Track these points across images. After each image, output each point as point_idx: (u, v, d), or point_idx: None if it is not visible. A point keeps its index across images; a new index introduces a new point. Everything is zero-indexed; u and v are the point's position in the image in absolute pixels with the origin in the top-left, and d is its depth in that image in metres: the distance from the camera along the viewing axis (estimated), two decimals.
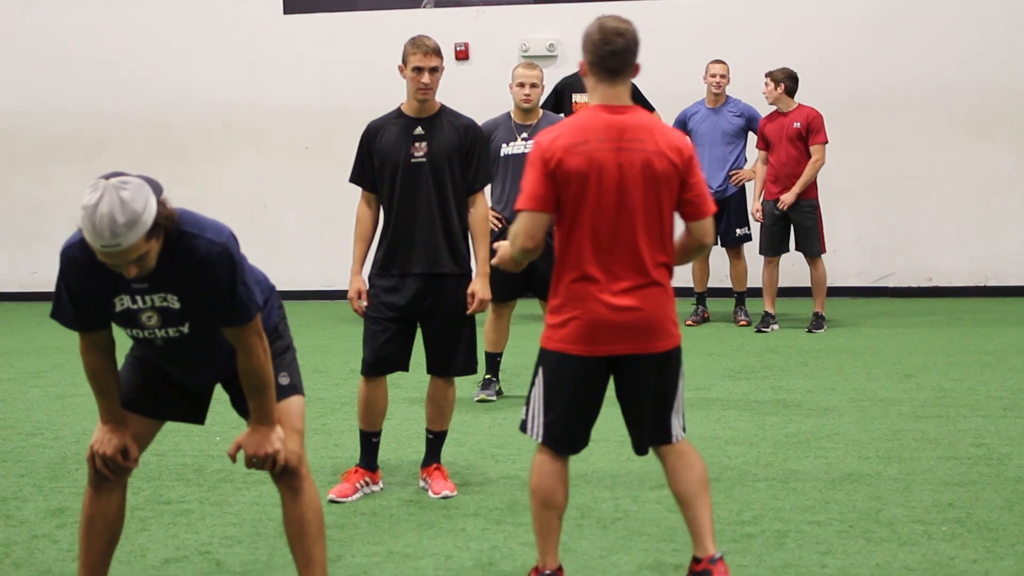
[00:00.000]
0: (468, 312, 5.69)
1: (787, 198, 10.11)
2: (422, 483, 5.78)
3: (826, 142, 10.13)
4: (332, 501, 5.50)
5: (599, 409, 4.20)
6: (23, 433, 7.03)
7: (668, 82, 10.76)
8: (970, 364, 8.58)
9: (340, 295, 10.20)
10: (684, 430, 4.26)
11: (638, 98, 9.58)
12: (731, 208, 10.46)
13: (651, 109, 9.03)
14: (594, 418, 4.21)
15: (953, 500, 5.39)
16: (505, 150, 7.59)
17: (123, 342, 4.03)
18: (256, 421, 3.98)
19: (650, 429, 4.21)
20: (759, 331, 10.27)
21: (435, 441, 5.82)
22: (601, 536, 5.03)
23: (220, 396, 4.33)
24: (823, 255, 10.30)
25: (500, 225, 7.55)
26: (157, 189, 3.64)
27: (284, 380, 4.13)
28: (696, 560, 4.18)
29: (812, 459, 6.14)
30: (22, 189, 13.40)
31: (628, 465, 5.94)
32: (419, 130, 5.66)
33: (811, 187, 10.18)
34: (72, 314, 3.89)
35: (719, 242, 10.32)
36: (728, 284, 10.96)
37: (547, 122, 7.63)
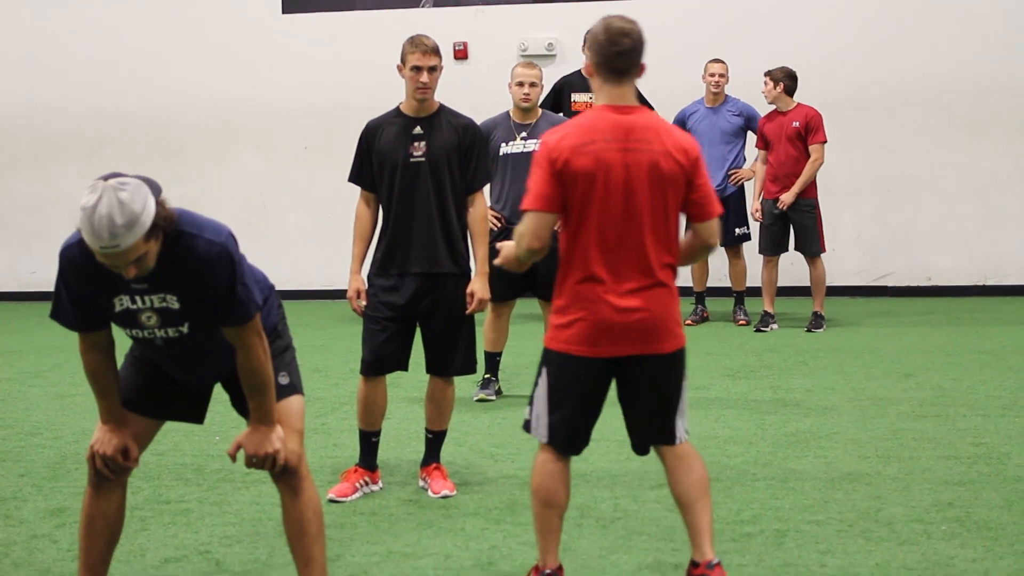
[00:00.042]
0: (467, 312, 5.69)
1: (786, 198, 10.11)
2: (421, 483, 5.78)
3: (825, 141, 10.13)
4: (331, 500, 5.51)
5: (601, 409, 4.20)
6: (22, 433, 7.03)
7: (667, 81, 10.75)
8: (969, 363, 8.59)
9: (339, 294, 10.20)
10: (688, 432, 4.26)
11: (637, 98, 9.57)
12: (730, 208, 10.46)
13: (650, 108, 9.02)
14: (596, 418, 4.21)
15: (952, 499, 5.40)
16: (504, 149, 7.60)
17: (122, 342, 4.03)
18: (256, 421, 3.98)
19: (653, 430, 4.20)
20: (758, 330, 10.27)
21: (434, 441, 5.82)
22: (600, 535, 5.03)
23: (220, 396, 4.33)
24: (822, 254, 10.30)
25: (499, 224, 7.55)
26: (156, 190, 3.64)
27: (284, 380, 4.13)
28: (694, 564, 4.17)
29: (811, 458, 6.14)
30: (22, 188, 13.40)
31: (627, 465, 5.94)
32: (418, 129, 5.66)
33: (810, 186, 10.19)
34: (71, 314, 3.89)
35: None
36: (727, 283, 10.96)
37: (546, 121, 7.64)
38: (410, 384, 7.56)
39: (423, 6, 12.63)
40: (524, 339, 9.24)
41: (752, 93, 10.61)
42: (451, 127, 5.69)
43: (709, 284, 11.00)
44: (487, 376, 7.78)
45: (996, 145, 12.06)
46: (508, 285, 7.46)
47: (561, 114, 9.15)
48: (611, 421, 4.58)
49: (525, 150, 7.55)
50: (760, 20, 12.16)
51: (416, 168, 5.63)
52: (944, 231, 12.22)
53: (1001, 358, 8.78)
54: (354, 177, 5.79)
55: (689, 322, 10.55)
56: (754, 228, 10.61)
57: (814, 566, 4.64)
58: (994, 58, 11.94)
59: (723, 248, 10.62)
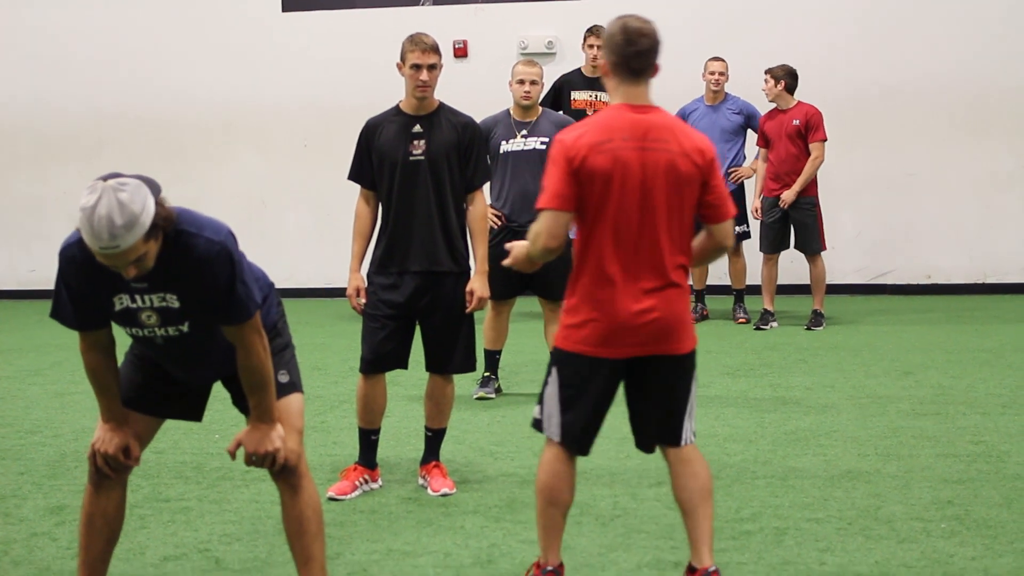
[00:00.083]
0: (467, 310, 5.69)
1: (787, 196, 10.12)
2: (421, 481, 5.78)
3: (825, 139, 10.13)
4: (331, 499, 5.51)
5: (609, 409, 4.20)
6: (22, 431, 7.03)
7: (666, 79, 10.72)
8: (969, 361, 8.59)
9: (339, 293, 10.20)
10: (695, 434, 4.24)
11: None
12: None
13: None
14: (604, 418, 4.21)
15: (952, 497, 5.40)
16: (504, 147, 7.59)
17: (122, 340, 4.03)
18: (256, 419, 3.98)
19: (660, 431, 4.19)
20: (758, 328, 10.27)
21: (434, 439, 5.82)
22: (600, 533, 5.03)
23: (219, 394, 4.33)
24: (822, 253, 10.31)
25: (499, 223, 7.55)
26: (155, 189, 3.64)
27: (283, 378, 4.13)
28: (692, 569, 4.17)
29: (811, 456, 6.14)
30: (22, 188, 13.40)
31: (627, 463, 5.94)
32: (417, 128, 5.66)
33: (811, 185, 10.20)
34: (71, 313, 3.89)
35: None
36: (727, 281, 10.96)
37: (546, 119, 7.64)
38: (409, 382, 7.56)
39: (423, 4, 12.63)
40: (524, 337, 9.23)
41: (752, 91, 10.61)
42: (451, 125, 5.68)
43: (709, 282, 11.00)
44: (487, 374, 7.78)
45: (996, 144, 12.06)
46: (508, 284, 7.46)
47: (561, 112, 9.14)
48: (611, 419, 4.56)
49: (525, 148, 7.56)
50: (760, 19, 12.16)
51: (416, 166, 5.63)
52: (944, 229, 12.22)
53: (1000, 356, 8.78)
54: (354, 175, 5.79)
55: None
56: (754, 226, 10.61)
57: (813, 564, 4.64)
58: (994, 57, 11.94)
59: None
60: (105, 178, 3.59)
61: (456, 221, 5.71)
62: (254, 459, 3.99)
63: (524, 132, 7.59)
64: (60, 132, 13.23)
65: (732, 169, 10.48)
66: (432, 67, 5.60)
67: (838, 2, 12.19)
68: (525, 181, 7.54)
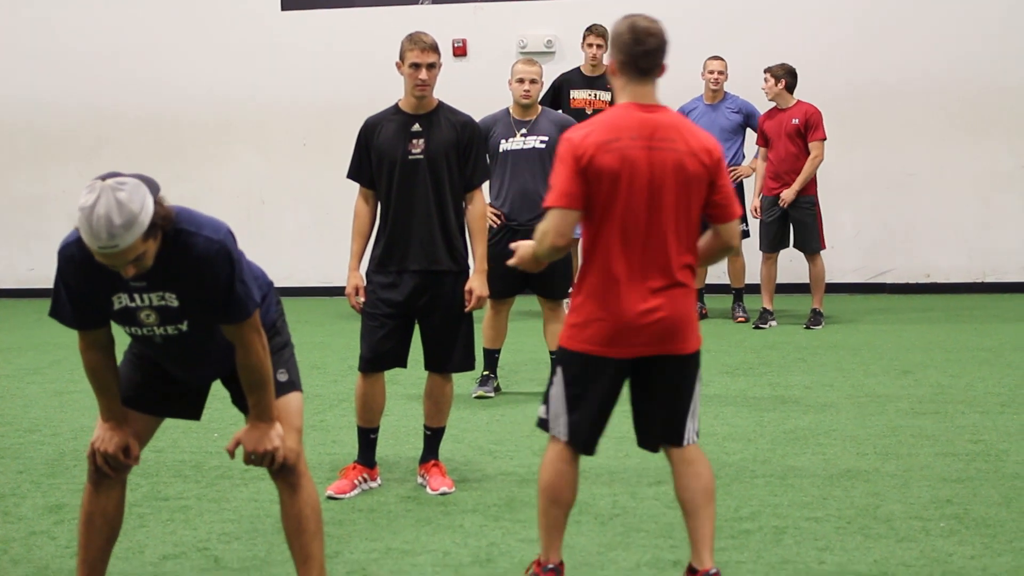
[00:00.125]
0: (466, 309, 5.69)
1: (787, 195, 10.12)
2: (420, 479, 5.78)
3: (825, 138, 10.14)
4: (330, 497, 5.51)
5: (613, 409, 4.19)
6: (21, 430, 7.03)
7: (665, 78, 10.74)
8: (968, 360, 8.59)
9: (338, 291, 10.21)
10: (698, 434, 4.23)
11: None
12: None
13: None
14: (610, 418, 4.20)
15: (951, 496, 5.40)
16: (504, 146, 7.59)
17: (121, 339, 4.03)
18: (255, 417, 3.98)
19: (663, 430, 4.18)
20: (757, 327, 10.27)
21: (433, 437, 5.82)
22: (599, 532, 5.03)
23: (218, 392, 4.33)
24: (821, 251, 10.31)
25: (499, 221, 7.55)
26: (154, 188, 3.64)
27: (282, 377, 4.13)
28: (692, 570, 4.17)
29: (810, 455, 6.14)
30: (21, 186, 13.39)
31: (626, 461, 5.94)
32: (416, 127, 5.66)
33: (810, 183, 10.20)
34: (71, 312, 3.88)
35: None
36: (726, 280, 10.96)
37: (546, 118, 7.65)
38: (409, 381, 7.56)
39: (422, 3, 12.62)
40: (523, 336, 9.24)
41: (751, 90, 10.62)
42: (450, 124, 5.68)
43: (708, 281, 11.01)
44: (486, 373, 7.78)
45: (995, 143, 12.06)
46: (507, 283, 7.46)
47: (560, 111, 9.15)
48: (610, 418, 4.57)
49: (525, 147, 7.56)
50: (759, 17, 12.15)
51: (415, 165, 5.63)
52: (943, 228, 12.22)
53: (1000, 355, 8.78)
54: (352, 174, 5.79)
55: None
56: (753, 225, 10.61)
57: (812, 563, 4.65)
58: (993, 56, 11.94)
59: None
60: (104, 177, 3.59)
61: (455, 220, 5.70)
62: (253, 458, 3.99)
63: (523, 131, 7.59)
64: (59, 131, 13.23)
65: (731, 168, 10.47)
66: (431, 66, 5.60)
67: (838, 1, 12.18)
68: (524, 180, 7.54)
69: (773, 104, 10.33)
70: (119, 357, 4.08)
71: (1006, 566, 4.57)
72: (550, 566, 4.21)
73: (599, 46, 10.06)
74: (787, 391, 7.71)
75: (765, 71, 10.26)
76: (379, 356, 5.68)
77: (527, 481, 5.75)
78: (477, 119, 6.09)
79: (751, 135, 10.63)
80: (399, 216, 5.64)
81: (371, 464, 5.75)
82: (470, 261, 5.74)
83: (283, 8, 12.87)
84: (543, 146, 7.54)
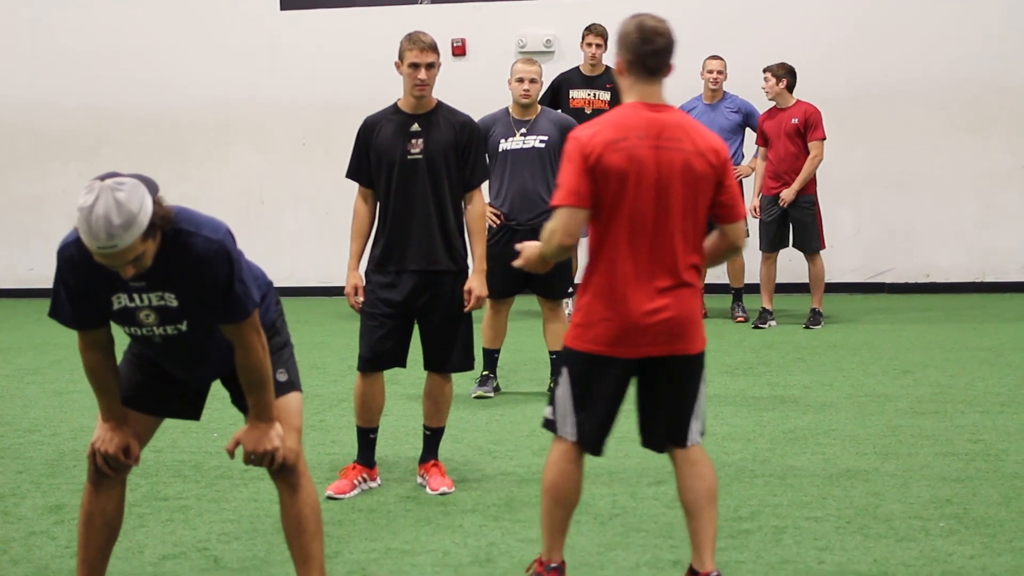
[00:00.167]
0: (465, 309, 5.69)
1: (787, 195, 10.13)
2: (420, 479, 5.78)
3: (824, 138, 10.14)
4: (330, 497, 5.50)
5: (620, 409, 4.18)
6: (21, 430, 7.03)
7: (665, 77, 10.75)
8: (968, 360, 8.59)
9: (338, 291, 10.19)
10: (702, 434, 4.22)
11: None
12: None
13: None
14: (616, 418, 4.18)
15: (950, 496, 5.40)
16: (504, 145, 7.59)
17: (121, 339, 4.02)
18: (255, 417, 3.97)
19: (667, 430, 4.17)
20: (756, 327, 10.27)
21: (432, 437, 5.82)
22: (599, 532, 5.03)
23: (217, 392, 4.33)
24: (821, 251, 10.31)
25: (498, 221, 7.55)
26: (153, 188, 3.63)
27: (282, 376, 4.13)
28: (693, 572, 4.16)
29: (809, 455, 6.14)
30: (20, 186, 13.39)
31: (625, 461, 5.94)
32: (415, 127, 5.66)
33: (810, 183, 10.21)
34: (70, 312, 3.88)
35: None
36: (726, 280, 10.96)
37: (545, 118, 7.65)
38: (408, 381, 7.56)
39: (421, 3, 12.62)
40: (523, 336, 9.23)
41: (750, 90, 10.62)
42: (449, 124, 5.68)
43: (707, 281, 10.98)
44: (485, 373, 7.78)
45: (994, 142, 12.06)
46: (507, 282, 7.47)
47: (559, 111, 9.14)
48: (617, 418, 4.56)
49: (524, 146, 7.56)
50: (759, 17, 12.15)
51: (414, 165, 5.63)
52: (943, 228, 12.22)
53: (999, 355, 8.78)
54: (352, 173, 5.79)
55: None
56: (753, 225, 10.60)
57: (812, 563, 4.65)
58: (993, 56, 11.94)
59: None
60: (102, 177, 3.59)
61: (454, 220, 5.70)
62: (253, 458, 3.99)
63: (523, 130, 7.58)
64: (59, 130, 13.23)
65: None
66: (430, 66, 5.60)
67: (837, 1, 12.18)
68: (524, 179, 7.54)
69: (772, 104, 10.33)
70: (119, 357, 4.08)
71: (1006, 566, 4.57)
72: (553, 565, 4.21)
73: (598, 46, 10.06)
74: (786, 391, 7.71)
75: (765, 70, 10.26)
76: (378, 356, 5.68)
77: (527, 481, 5.75)
78: (476, 119, 6.10)
79: (750, 135, 10.63)
80: (398, 216, 5.64)
81: (371, 464, 5.75)
82: (469, 261, 5.74)
83: (282, 8, 12.86)
84: (543, 146, 7.54)
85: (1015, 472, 5.77)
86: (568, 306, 9.90)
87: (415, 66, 5.58)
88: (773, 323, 10.32)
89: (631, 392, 4.19)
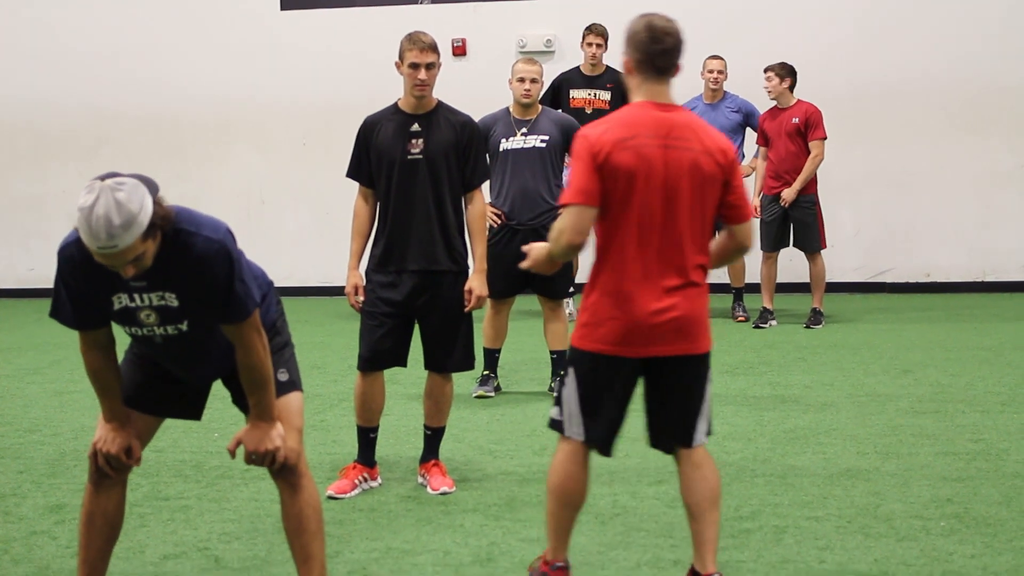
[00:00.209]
0: (466, 309, 5.69)
1: (788, 194, 10.13)
2: (420, 479, 5.78)
3: (825, 137, 10.14)
4: (331, 497, 5.50)
5: (628, 408, 4.16)
6: (21, 430, 7.03)
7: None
8: (968, 359, 8.59)
9: (338, 291, 10.21)
10: (708, 435, 4.19)
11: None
12: None
13: None
14: (625, 417, 4.16)
15: (951, 495, 5.40)
16: (504, 145, 7.59)
17: (122, 339, 4.02)
18: (256, 417, 3.97)
19: (675, 431, 4.15)
20: (757, 327, 10.28)
21: (433, 437, 5.82)
22: (599, 532, 5.03)
23: (218, 392, 4.33)
24: (822, 251, 10.32)
25: (499, 221, 7.55)
26: (153, 188, 3.63)
27: (283, 376, 4.13)
28: (695, 573, 4.15)
29: (810, 455, 6.14)
30: (20, 186, 13.39)
31: (626, 461, 5.94)
32: (416, 127, 5.65)
33: (810, 183, 10.21)
34: (71, 313, 3.88)
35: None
36: (726, 280, 10.96)
37: (546, 117, 7.65)
38: (409, 381, 7.56)
39: (422, 3, 12.62)
40: (523, 336, 9.24)
41: (750, 89, 10.61)
42: (449, 124, 5.68)
43: (708, 280, 10.98)
44: (486, 373, 7.78)
45: (995, 142, 12.06)
46: (508, 282, 7.47)
47: (560, 111, 9.14)
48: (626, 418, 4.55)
49: (525, 146, 7.55)
50: (759, 17, 12.15)
51: (414, 165, 5.62)
52: (943, 227, 12.22)
53: (1000, 354, 8.78)
54: (352, 172, 5.79)
55: None
56: (753, 224, 10.59)
57: (813, 562, 4.64)
58: (993, 55, 11.94)
59: None
60: (103, 177, 3.59)
61: (454, 220, 5.70)
62: (254, 458, 3.99)
63: (524, 130, 7.58)
64: (59, 130, 13.23)
65: None
66: (430, 66, 5.59)
67: (838, 1, 12.18)
68: (525, 179, 7.54)
69: (772, 103, 10.33)
70: (120, 357, 4.08)
71: (1006, 565, 4.57)
72: (559, 564, 4.20)
73: (598, 45, 10.06)
74: (787, 390, 7.71)
75: (767, 69, 10.25)
76: (378, 355, 5.68)
77: (527, 480, 5.75)
78: (477, 119, 6.09)
79: (751, 134, 10.63)
80: (398, 216, 5.64)
81: (371, 463, 5.75)
82: (470, 261, 5.74)
83: (283, 8, 12.87)
84: (543, 145, 7.54)
85: (1016, 471, 5.77)
86: (569, 305, 9.91)
87: (415, 66, 5.58)
88: (774, 323, 10.32)
89: (637, 391, 4.18)
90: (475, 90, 10.26)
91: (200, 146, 13.05)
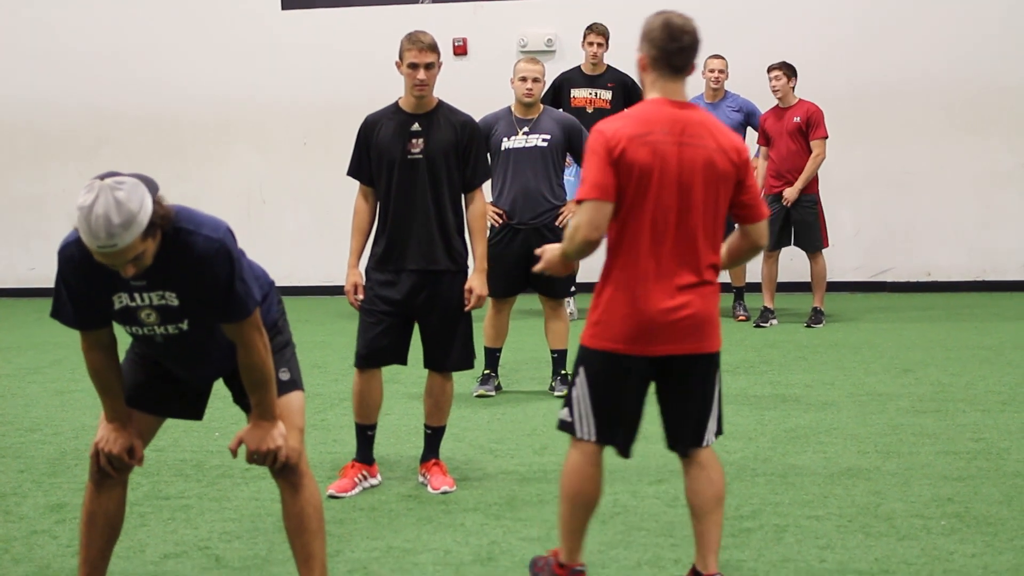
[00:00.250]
0: (466, 308, 5.69)
1: (790, 194, 10.13)
2: (421, 478, 5.78)
3: (826, 137, 10.15)
4: (332, 496, 5.50)
5: (644, 407, 4.13)
6: (22, 429, 7.03)
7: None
8: (968, 359, 8.59)
9: (339, 291, 10.17)
10: (717, 434, 4.17)
11: (638, 94, 9.58)
12: None
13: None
14: (641, 417, 4.13)
15: (952, 494, 5.40)
16: (506, 144, 7.59)
17: (123, 339, 4.02)
18: (257, 416, 3.97)
19: (688, 431, 4.12)
20: (758, 326, 10.28)
21: (433, 436, 5.82)
22: (600, 531, 5.02)
23: (219, 391, 4.33)
24: (823, 250, 10.32)
25: (500, 220, 7.55)
26: (153, 188, 3.63)
27: (284, 376, 4.13)
28: (696, 573, 4.15)
29: (811, 454, 6.14)
30: (21, 186, 13.40)
31: (626, 460, 5.93)
32: (416, 126, 5.65)
33: (812, 182, 10.21)
34: (72, 312, 3.88)
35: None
36: (727, 279, 10.95)
37: (548, 117, 7.65)
38: (409, 380, 7.56)
39: (423, 2, 12.62)
40: (524, 335, 9.24)
41: (751, 88, 10.62)
42: (449, 124, 5.67)
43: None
44: (487, 372, 7.78)
45: (995, 142, 12.06)
46: (509, 282, 7.47)
47: (561, 110, 9.15)
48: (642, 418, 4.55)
49: (527, 145, 7.55)
50: (760, 16, 12.15)
51: (414, 165, 5.62)
52: (943, 227, 12.22)
53: (1000, 353, 8.78)
54: (352, 171, 5.79)
55: None
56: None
57: (814, 561, 4.64)
58: (993, 55, 11.94)
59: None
60: (102, 177, 3.59)
61: (453, 220, 5.70)
62: (255, 457, 3.99)
63: (526, 129, 7.58)
64: (59, 130, 13.23)
65: None
66: (429, 66, 5.59)
67: (838, 1, 12.18)
68: (526, 178, 7.54)
69: (773, 103, 10.32)
70: (121, 357, 4.08)
71: (1007, 564, 4.57)
72: (577, 568, 4.17)
73: (599, 45, 10.06)
74: (788, 390, 7.71)
75: (775, 68, 10.22)
76: (374, 352, 5.68)
77: (528, 480, 5.76)
78: (478, 118, 6.10)
79: (751, 134, 10.63)
80: (398, 215, 5.64)
81: (369, 461, 5.75)
82: (470, 261, 5.74)
83: (283, 7, 12.87)
84: (545, 145, 7.54)
85: (1016, 471, 5.76)
86: (570, 305, 9.90)
87: (414, 66, 5.58)
88: (774, 322, 10.32)
89: (650, 393, 4.15)
90: (476, 90, 10.27)
91: (200, 146, 13.06)
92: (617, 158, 3.92)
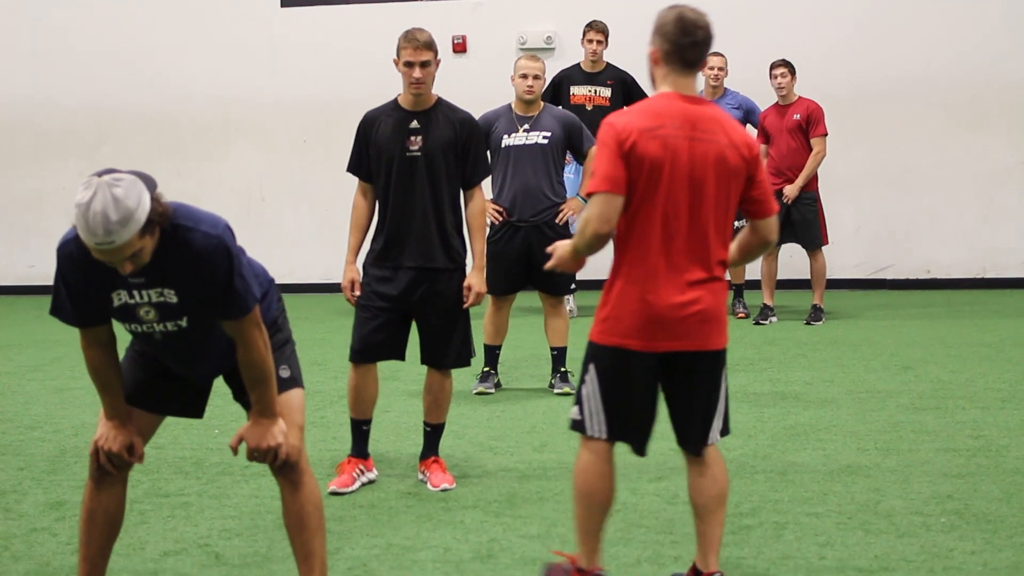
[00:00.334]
0: (465, 306, 5.69)
1: (790, 191, 10.13)
2: (420, 476, 5.78)
3: (826, 134, 10.15)
4: (333, 493, 5.51)
5: (656, 404, 4.10)
6: (22, 426, 7.03)
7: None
8: (968, 356, 8.59)
9: (338, 288, 10.18)
10: (722, 433, 4.14)
11: (638, 91, 9.58)
12: None
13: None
14: (655, 413, 4.10)
15: (951, 492, 5.40)
16: (506, 141, 7.58)
17: (123, 337, 4.02)
18: (257, 414, 3.97)
19: (695, 429, 4.09)
20: (757, 323, 10.28)
21: (433, 434, 5.82)
22: None
23: (219, 389, 4.32)
24: (823, 247, 10.32)
25: (500, 218, 7.55)
26: (151, 185, 3.63)
27: (284, 373, 4.12)
28: (696, 571, 4.15)
29: (810, 451, 6.14)
30: (20, 183, 13.40)
31: (626, 458, 5.90)
32: (415, 124, 5.65)
33: (812, 180, 10.21)
34: (71, 310, 3.88)
35: None
36: (727, 276, 10.94)
37: (548, 114, 7.65)
38: (409, 377, 7.56)
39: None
40: (524, 332, 9.24)
41: (751, 86, 10.62)
42: (448, 121, 5.67)
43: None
44: (486, 369, 7.78)
45: (995, 139, 12.07)
46: (509, 279, 7.48)
47: (560, 107, 9.14)
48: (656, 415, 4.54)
49: (527, 142, 7.55)
50: (760, 14, 12.15)
51: (412, 162, 5.62)
52: (943, 224, 12.23)
53: (1000, 351, 8.78)
54: (352, 167, 5.79)
55: None
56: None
57: (813, 558, 4.64)
58: (993, 52, 11.95)
59: None
60: (100, 173, 3.58)
61: (451, 218, 5.69)
62: (256, 454, 3.99)
63: (526, 126, 7.58)
64: (59, 127, 13.24)
65: None
66: (425, 64, 5.57)
67: None
68: (527, 176, 7.54)
69: (773, 100, 10.32)
70: (120, 355, 4.07)
71: (1007, 561, 4.57)
72: (598, 573, 4.12)
73: (599, 42, 10.05)
74: (787, 387, 7.72)
75: (779, 65, 10.20)
76: (368, 347, 5.68)
77: (528, 477, 5.76)
78: (477, 116, 6.09)
79: (751, 131, 10.62)
80: (397, 212, 5.64)
81: (364, 455, 5.74)
82: (469, 259, 5.74)
83: (283, 5, 12.87)
84: (545, 142, 7.54)
85: (1016, 468, 5.77)
86: (570, 302, 9.89)
87: (410, 64, 5.57)
88: (774, 319, 10.32)
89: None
90: (475, 87, 10.28)
91: (200, 144, 13.06)
92: (628, 151, 3.89)
